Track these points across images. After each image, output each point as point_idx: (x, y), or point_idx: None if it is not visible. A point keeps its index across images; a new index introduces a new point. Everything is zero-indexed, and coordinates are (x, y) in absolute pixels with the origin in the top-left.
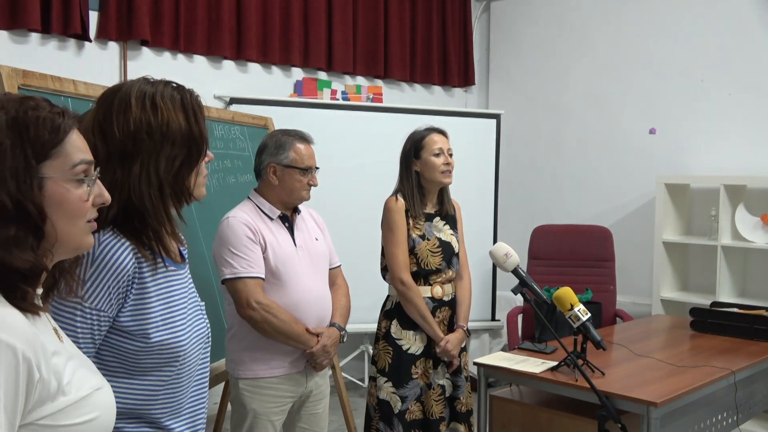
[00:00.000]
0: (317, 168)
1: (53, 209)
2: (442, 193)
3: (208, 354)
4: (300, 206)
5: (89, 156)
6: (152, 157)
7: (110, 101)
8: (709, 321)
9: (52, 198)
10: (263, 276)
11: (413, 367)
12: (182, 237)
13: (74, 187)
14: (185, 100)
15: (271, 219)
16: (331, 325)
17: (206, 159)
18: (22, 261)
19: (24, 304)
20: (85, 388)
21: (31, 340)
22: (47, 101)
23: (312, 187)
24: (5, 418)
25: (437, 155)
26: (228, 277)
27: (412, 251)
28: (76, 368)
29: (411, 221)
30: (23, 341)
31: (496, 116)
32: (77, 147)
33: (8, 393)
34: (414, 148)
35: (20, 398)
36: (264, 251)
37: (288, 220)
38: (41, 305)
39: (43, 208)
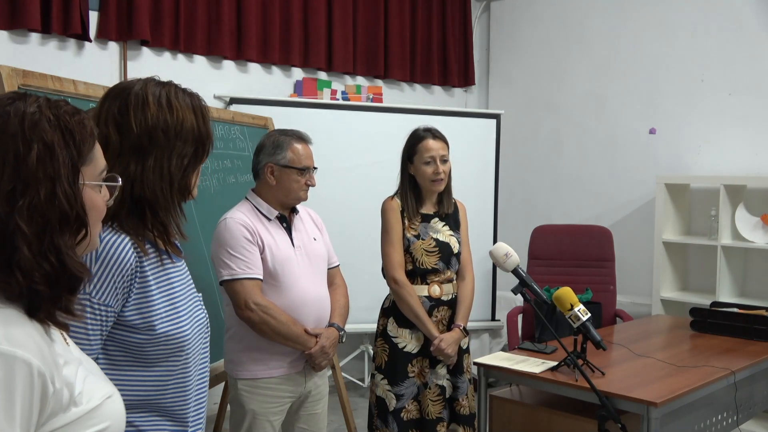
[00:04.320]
0: (315, 168)
1: (89, 214)
2: (441, 193)
3: (208, 343)
4: (298, 206)
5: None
6: (165, 153)
7: (125, 96)
8: (709, 321)
9: (87, 203)
10: (261, 277)
11: (409, 365)
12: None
13: (98, 191)
14: (194, 102)
15: (269, 219)
16: (330, 325)
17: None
18: (78, 266)
19: (55, 316)
20: (96, 397)
21: (46, 353)
22: (67, 102)
23: (310, 187)
24: None
25: (427, 164)
26: (226, 278)
27: (407, 250)
28: (87, 375)
29: (406, 221)
30: (38, 356)
31: (496, 116)
32: (101, 152)
33: (24, 409)
34: (408, 152)
35: (34, 414)
36: (262, 252)
37: (286, 220)
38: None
39: (87, 213)
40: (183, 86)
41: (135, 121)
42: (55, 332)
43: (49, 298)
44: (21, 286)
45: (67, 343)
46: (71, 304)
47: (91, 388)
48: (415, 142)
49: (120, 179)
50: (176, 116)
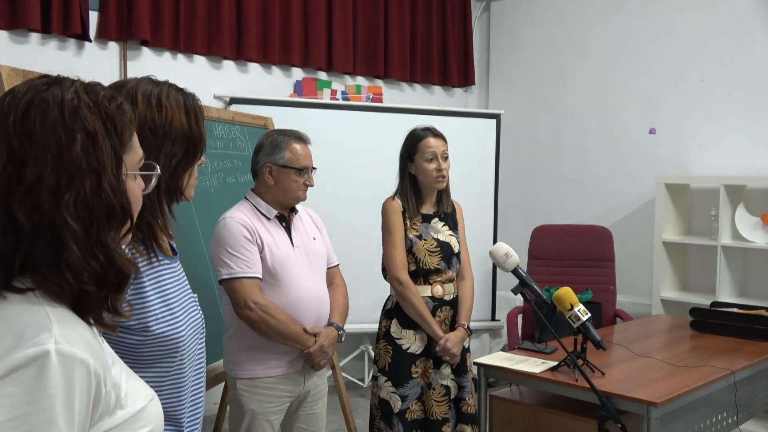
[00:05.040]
0: (314, 168)
1: (132, 206)
2: (441, 192)
3: (204, 344)
4: (298, 206)
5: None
6: (152, 153)
7: None
8: (709, 321)
9: (129, 194)
10: (260, 276)
11: (413, 366)
12: (172, 233)
13: (136, 181)
14: (188, 102)
15: (269, 219)
16: (329, 324)
17: (199, 162)
18: (126, 263)
19: (103, 317)
20: (140, 399)
21: (99, 353)
22: (103, 86)
23: (309, 187)
24: None
25: (430, 161)
26: (225, 277)
27: (410, 251)
28: (128, 377)
29: (408, 222)
30: (93, 356)
31: (496, 116)
32: (137, 139)
33: (81, 411)
34: (408, 152)
35: (89, 416)
36: (261, 251)
37: (285, 219)
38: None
39: (131, 205)
40: (180, 86)
41: None
42: (96, 332)
43: (97, 299)
44: (72, 287)
45: (103, 343)
46: (118, 303)
47: (135, 390)
48: (415, 140)
49: (158, 167)
50: (165, 115)
